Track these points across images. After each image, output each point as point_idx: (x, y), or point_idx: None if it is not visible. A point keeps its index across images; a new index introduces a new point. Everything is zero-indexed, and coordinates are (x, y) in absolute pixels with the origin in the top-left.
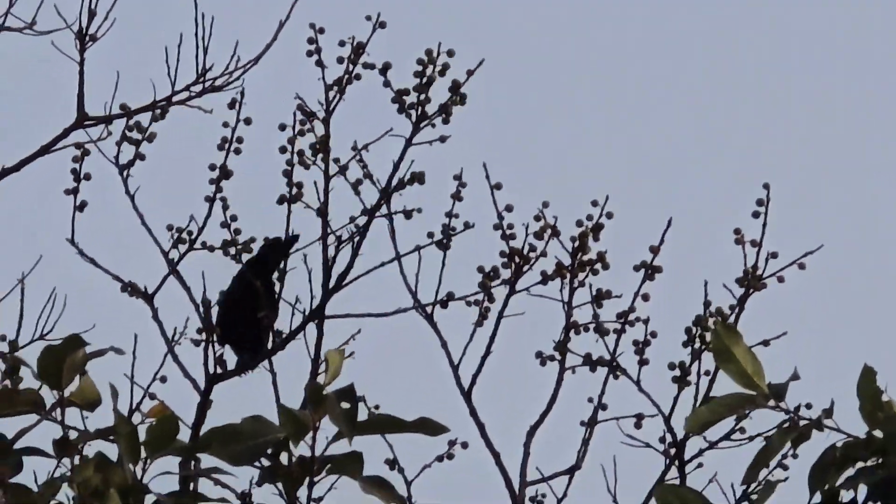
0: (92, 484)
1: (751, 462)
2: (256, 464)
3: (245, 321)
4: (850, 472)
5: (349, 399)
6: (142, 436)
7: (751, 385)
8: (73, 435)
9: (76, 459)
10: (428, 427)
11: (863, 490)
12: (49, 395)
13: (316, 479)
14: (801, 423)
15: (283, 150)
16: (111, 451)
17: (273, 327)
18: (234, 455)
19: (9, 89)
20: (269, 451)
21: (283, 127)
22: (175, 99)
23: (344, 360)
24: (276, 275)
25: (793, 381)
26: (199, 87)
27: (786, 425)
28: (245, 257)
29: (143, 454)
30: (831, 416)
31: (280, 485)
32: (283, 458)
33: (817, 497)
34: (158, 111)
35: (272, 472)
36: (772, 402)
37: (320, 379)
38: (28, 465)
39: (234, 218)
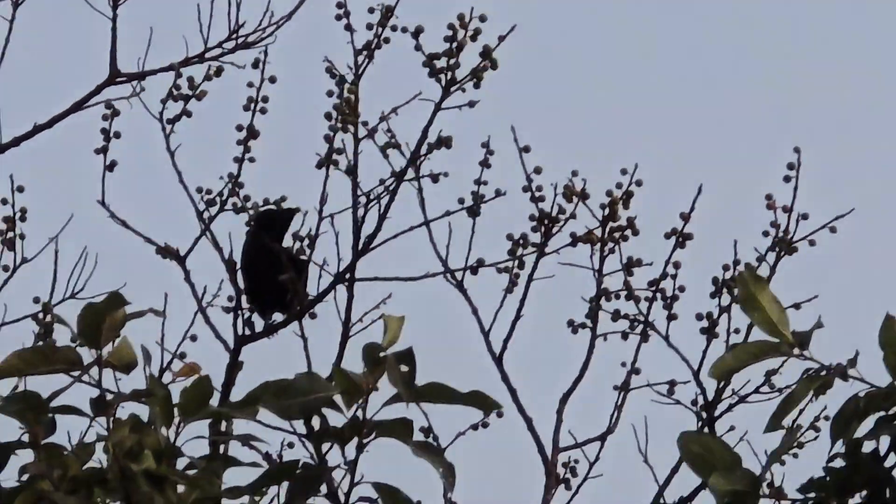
0: (126, 445)
1: (774, 410)
2: (289, 427)
3: (263, 283)
4: (872, 422)
5: (407, 363)
6: (175, 397)
7: (775, 333)
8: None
9: (111, 420)
10: (480, 401)
11: (885, 441)
12: (86, 355)
13: (365, 441)
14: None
15: (328, 116)
16: (142, 412)
17: (302, 290)
18: (284, 409)
19: (41, 47)
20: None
21: (330, 93)
22: (207, 56)
23: (403, 325)
24: (298, 243)
25: (816, 329)
26: (231, 44)
27: (809, 373)
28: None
29: (177, 417)
30: (855, 366)
31: (311, 445)
32: (329, 417)
33: (839, 447)
34: (213, 70)
35: (323, 432)
36: (796, 351)
37: (378, 340)
38: (61, 424)
39: (241, 185)
